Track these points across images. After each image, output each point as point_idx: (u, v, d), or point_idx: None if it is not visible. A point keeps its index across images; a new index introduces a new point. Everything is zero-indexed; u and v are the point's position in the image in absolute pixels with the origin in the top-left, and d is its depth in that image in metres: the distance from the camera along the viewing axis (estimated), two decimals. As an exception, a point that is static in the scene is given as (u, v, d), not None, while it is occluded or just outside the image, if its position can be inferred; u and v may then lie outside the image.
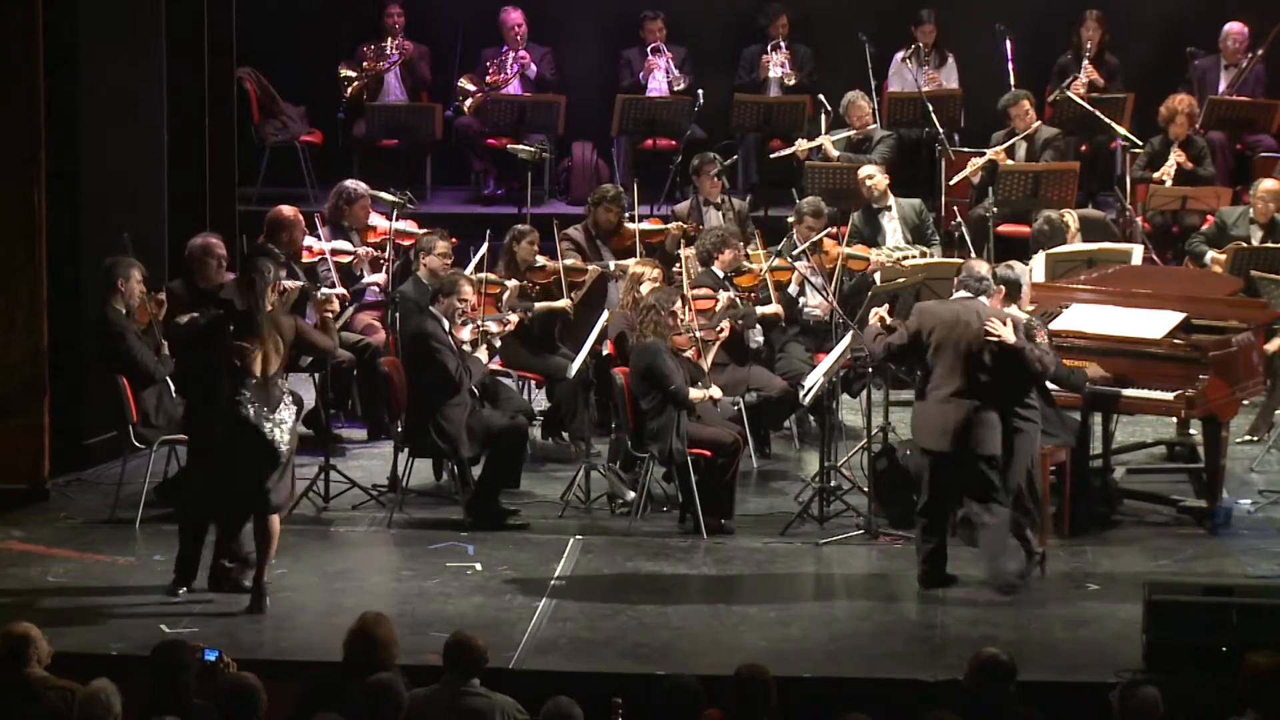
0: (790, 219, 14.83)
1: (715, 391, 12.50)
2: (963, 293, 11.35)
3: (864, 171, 15.51)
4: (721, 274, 13.65)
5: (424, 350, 12.18)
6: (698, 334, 12.62)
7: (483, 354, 12.47)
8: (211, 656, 8.70)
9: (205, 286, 12.80)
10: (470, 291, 12.49)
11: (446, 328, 12.27)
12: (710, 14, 18.94)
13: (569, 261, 14.09)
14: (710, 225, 15.09)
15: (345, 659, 8.70)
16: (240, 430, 10.65)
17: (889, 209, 15.37)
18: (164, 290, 12.67)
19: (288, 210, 13.99)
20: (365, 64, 18.08)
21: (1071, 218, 15.00)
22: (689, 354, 12.55)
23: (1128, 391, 12.19)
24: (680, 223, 14.94)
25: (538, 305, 13.76)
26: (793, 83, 18.04)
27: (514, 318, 13.01)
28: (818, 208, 14.50)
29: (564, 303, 13.83)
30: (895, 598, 11.13)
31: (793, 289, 13.89)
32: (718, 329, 12.88)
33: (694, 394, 12.35)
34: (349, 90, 18.05)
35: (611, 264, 14.50)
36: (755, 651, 10.01)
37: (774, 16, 18.27)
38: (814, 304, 14.05)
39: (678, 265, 13.80)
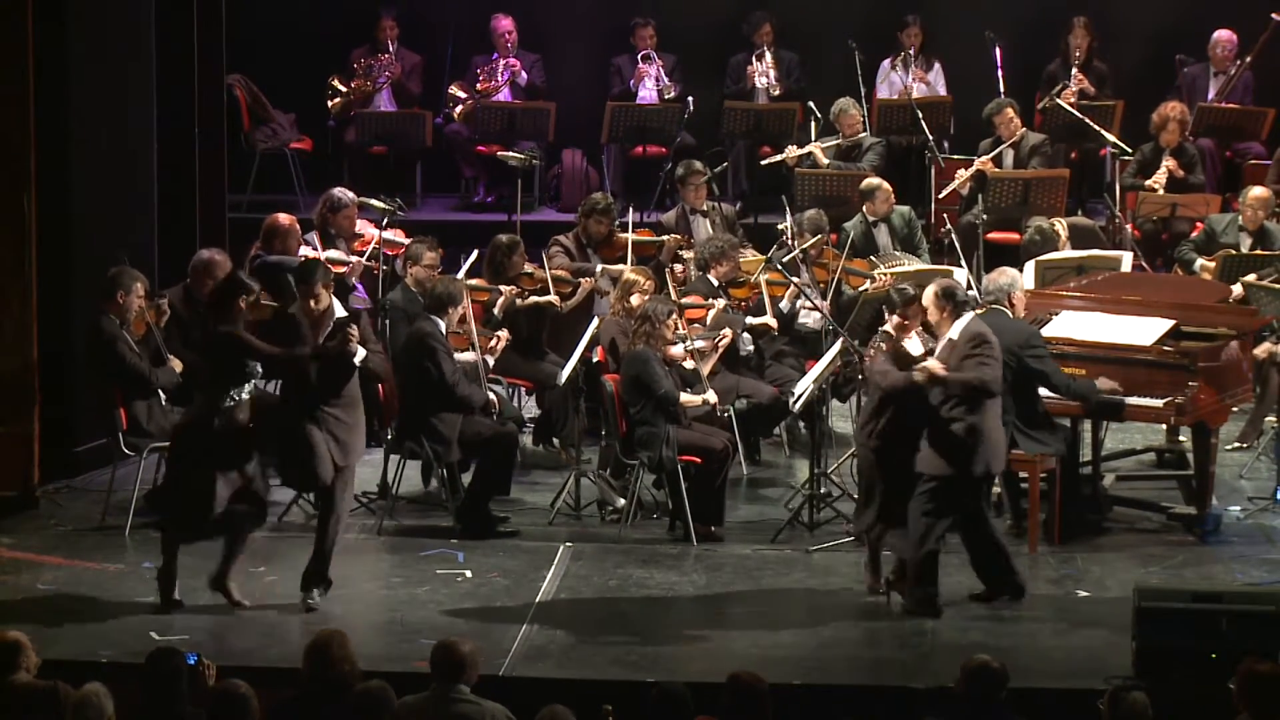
0: (780, 226, 14.87)
1: (711, 396, 12.50)
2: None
3: (876, 183, 15.47)
4: (716, 283, 13.68)
5: (426, 349, 12.16)
6: (696, 344, 12.62)
7: (492, 396, 12.50)
8: (191, 661, 8.69)
9: (200, 301, 12.83)
10: (468, 301, 12.50)
11: (443, 329, 12.27)
12: (700, 21, 18.96)
13: (559, 272, 14.09)
14: (698, 234, 15.13)
15: (301, 679, 8.66)
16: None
17: (887, 220, 15.42)
18: (160, 297, 12.68)
19: (284, 218, 14.01)
20: (354, 83, 18.08)
21: (1061, 226, 15.03)
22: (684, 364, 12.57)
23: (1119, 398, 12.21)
24: (674, 235, 14.95)
25: (528, 300, 13.74)
26: (778, 93, 18.05)
27: (504, 334, 12.98)
28: (816, 225, 14.49)
29: (552, 297, 13.82)
30: (885, 605, 11.12)
31: (785, 305, 13.87)
32: (717, 338, 12.88)
33: (686, 398, 12.36)
34: (333, 104, 18.04)
35: (599, 266, 14.52)
36: (745, 658, 10.00)
37: (757, 25, 18.28)
38: (807, 314, 14.01)
39: (670, 278, 13.82)
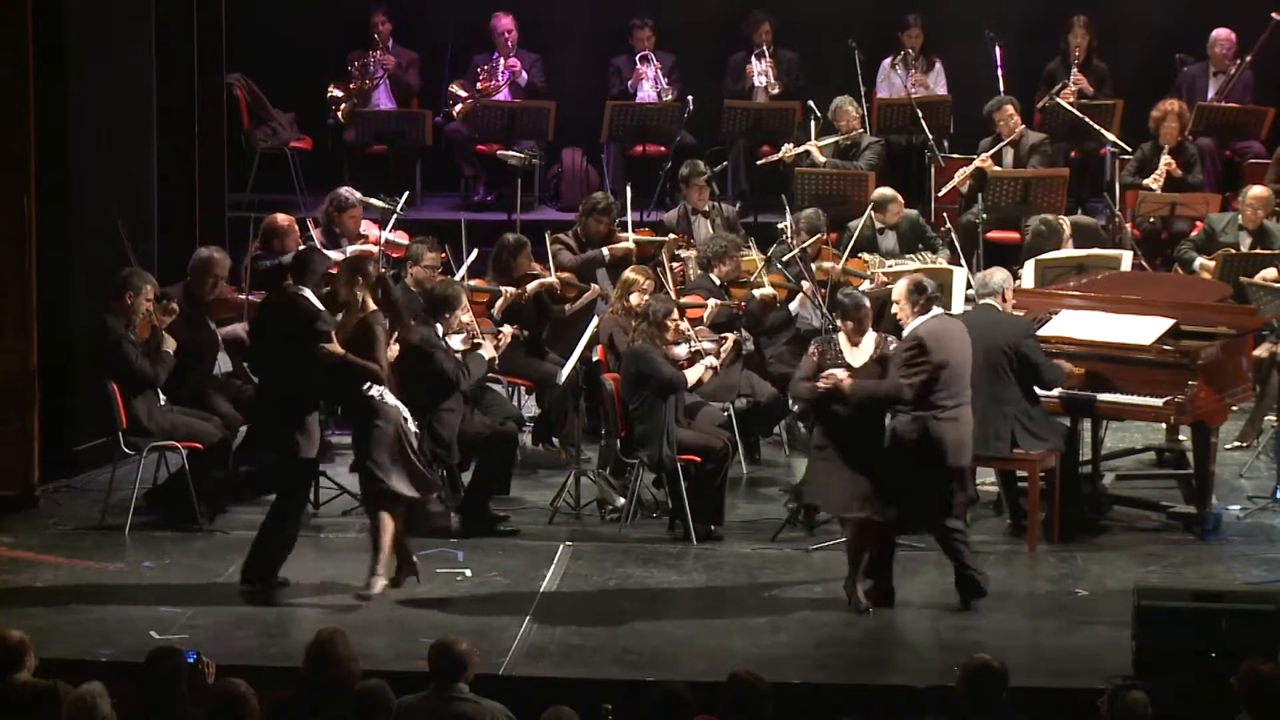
0: (780, 225, 14.88)
1: (710, 360, 12.48)
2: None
3: (890, 195, 15.46)
4: (718, 282, 13.69)
5: (421, 355, 12.15)
6: (703, 346, 12.61)
7: (486, 350, 12.43)
8: (190, 659, 8.69)
9: (200, 299, 12.85)
10: (467, 303, 12.50)
11: (441, 333, 12.25)
12: (699, 20, 18.95)
13: (566, 275, 14.10)
14: (699, 234, 15.13)
15: (301, 679, 8.66)
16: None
17: (894, 227, 15.44)
18: (168, 298, 12.67)
19: (282, 218, 14.02)
20: (352, 84, 18.08)
21: (1065, 222, 15.07)
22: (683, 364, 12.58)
23: (1119, 397, 12.20)
24: (673, 235, 14.97)
25: (530, 285, 13.73)
26: (776, 92, 18.05)
27: (509, 330, 12.98)
28: (813, 224, 14.52)
29: (552, 279, 13.82)
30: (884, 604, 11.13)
31: (793, 307, 13.87)
32: (719, 340, 12.88)
33: (691, 373, 12.35)
34: (340, 112, 18.05)
35: (605, 251, 14.53)
36: (745, 658, 10.00)
37: (756, 24, 18.28)
38: (808, 314, 14.02)
39: (668, 276, 13.84)
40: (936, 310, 11.08)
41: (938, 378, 10.89)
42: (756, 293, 13.71)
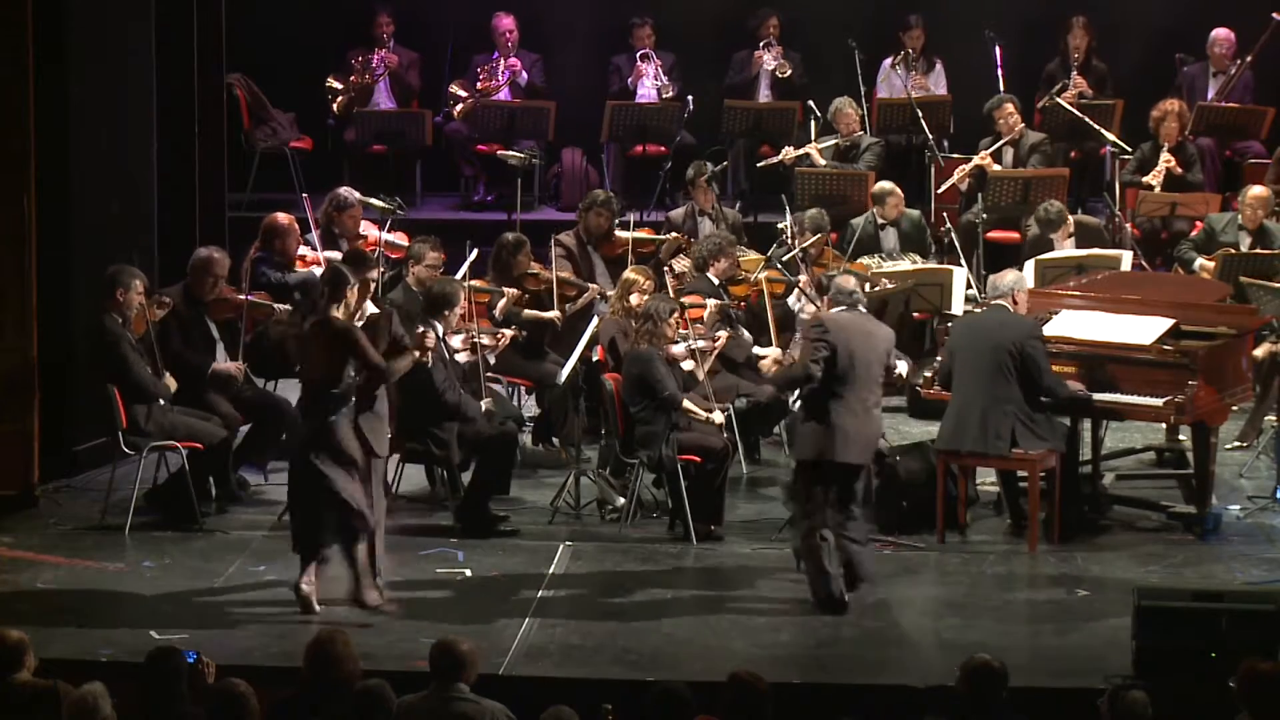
0: (781, 225, 14.88)
1: (717, 416, 12.47)
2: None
3: (889, 188, 15.48)
4: (716, 281, 13.69)
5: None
6: (696, 344, 12.62)
7: (486, 404, 12.45)
8: (190, 659, 8.68)
9: (200, 299, 12.85)
10: (464, 301, 12.50)
11: (440, 334, 12.25)
12: (699, 19, 18.95)
13: (565, 275, 14.10)
14: (702, 235, 15.13)
15: (301, 679, 8.65)
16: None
17: (896, 224, 15.44)
18: (159, 294, 12.67)
19: (282, 218, 14.01)
20: (353, 78, 18.08)
21: (1068, 216, 15.13)
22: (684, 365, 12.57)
23: (1119, 397, 12.20)
24: (677, 233, 14.97)
25: (525, 312, 13.77)
26: (786, 74, 18.02)
27: (509, 332, 12.97)
28: (817, 224, 14.54)
29: (553, 314, 13.83)
30: (885, 603, 11.13)
31: (791, 301, 13.90)
32: (714, 338, 12.89)
33: (690, 405, 12.36)
34: (336, 104, 18.05)
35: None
36: (745, 657, 10.00)
37: (763, 19, 18.29)
38: (809, 313, 14.04)
39: (669, 276, 13.84)
40: (859, 311, 11.20)
41: (836, 366, 10.95)
42: (759, 351, 13.72)
